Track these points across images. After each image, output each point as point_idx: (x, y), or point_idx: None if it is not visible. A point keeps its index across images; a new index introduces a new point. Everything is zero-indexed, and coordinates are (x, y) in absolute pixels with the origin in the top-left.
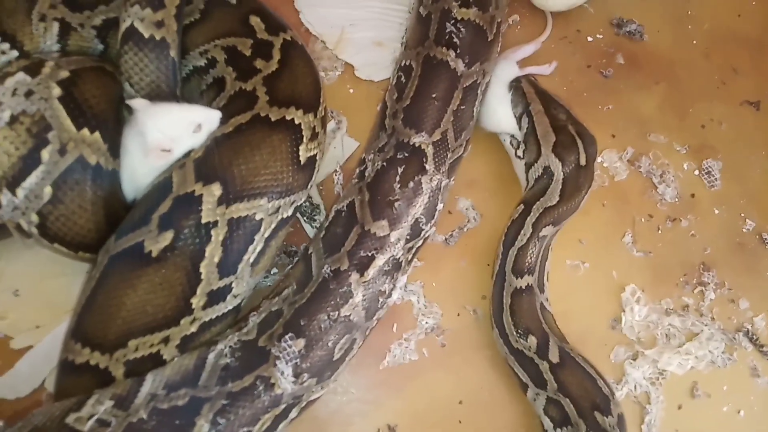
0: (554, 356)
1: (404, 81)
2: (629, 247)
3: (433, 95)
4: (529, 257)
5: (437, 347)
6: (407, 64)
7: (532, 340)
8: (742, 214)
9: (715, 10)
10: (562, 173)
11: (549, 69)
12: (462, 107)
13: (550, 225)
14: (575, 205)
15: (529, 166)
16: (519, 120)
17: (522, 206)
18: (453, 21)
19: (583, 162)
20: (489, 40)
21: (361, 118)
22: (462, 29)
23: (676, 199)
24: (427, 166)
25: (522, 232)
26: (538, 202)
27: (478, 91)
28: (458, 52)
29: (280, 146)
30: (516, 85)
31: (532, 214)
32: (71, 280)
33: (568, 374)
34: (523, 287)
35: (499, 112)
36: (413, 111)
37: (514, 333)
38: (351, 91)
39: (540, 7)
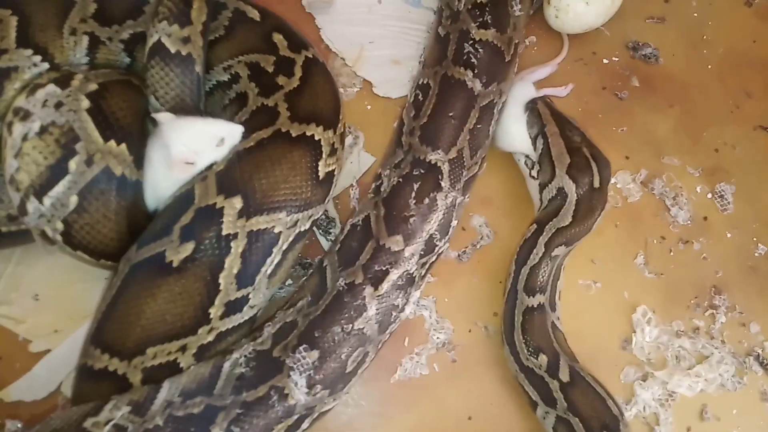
0: (564, 375)
1: (422, 99)
2: (641, 268)
3: (450, 114)
4: (541, 276)
5: (448, 362)
6: (425, 82)
7: (543, 359)
8: (755, 238)
9: (730, 35)
10: (575, 195)
11: (565, 91)
12: (478, 126)
13: (563, 245)
14: (588, 227)
15: (543, 187)
16: (534, 141)
17: (535, 226)
18: (471, 41)
19: (596, 184)
20: (506, 60)
21: (378, 134)
22: (480, 50)
23: (689, 222)
24: (443, 184)
25: (534, 251)
26: (551, 222)
27: (495, 111)
28: (476, 72)
29: (300, 161)
30: (532, 107)
31: (544, 233)
32: (90, 286)
33: (578, 394)
34: (535, 306)
35: (514, 132)
36: (430, 129)
37: (525, 351)
38: (368, 107)
39: (557, 30)
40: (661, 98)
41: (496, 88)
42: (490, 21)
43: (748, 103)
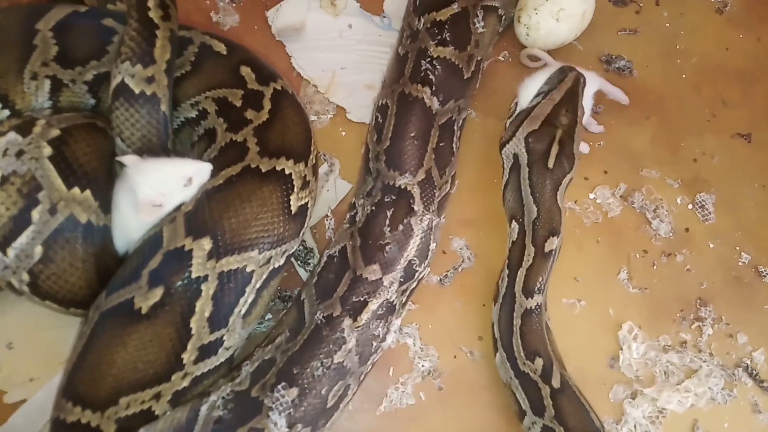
0: (556, 381)
1: (381, 121)
2: (625, 284)
3: (412, 134)
4: (539, 276)
5: (434, 390)
6: (383, 103)
7: (539, 363)
8: (738, 248)
9: (703, 43)
10: (527, 166)
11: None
12: (441, 144)
13: (552, 236)
14: (558, 207)
15: (501, 146)
16: (535, 96)
17: (516, 224)
18: (429, 59)
19: (550, 164)
20: (465, 78)
21: (354, 160)
22: (437, 67)
23: (671, 234)
24: (416, 207)
25: (526, 252)
26: (524, 218)
27: (455, 128)
28: (433, 89)
29: (271, 197)
30: (563, 70)
31: (527, 232)
32: (65, 331)
33: (565, 402)
34: (533, 307)
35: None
36: (394, 152)
37: (522, 354)
38: (343, 133)
39: (530, 47)
40: (637, 110)
41: (453, 106)
42: (449, 39)
43: (725, 111)
